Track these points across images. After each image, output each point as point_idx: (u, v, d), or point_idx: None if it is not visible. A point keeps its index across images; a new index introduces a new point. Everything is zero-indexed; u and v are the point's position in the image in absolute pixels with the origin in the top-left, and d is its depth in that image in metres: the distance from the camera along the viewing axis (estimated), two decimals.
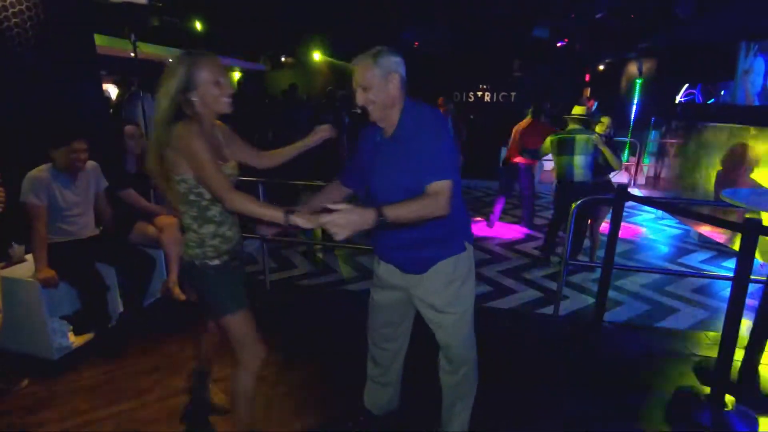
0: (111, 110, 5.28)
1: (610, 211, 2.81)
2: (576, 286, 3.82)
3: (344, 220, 1.23)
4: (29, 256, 2.61)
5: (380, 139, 1.57)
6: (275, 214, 1.34)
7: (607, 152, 3.77)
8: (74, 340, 2.63)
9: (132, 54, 4.16)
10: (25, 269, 2.57)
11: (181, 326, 2.85)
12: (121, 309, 2.93)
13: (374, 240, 1.71)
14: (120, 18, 5.12)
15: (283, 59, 10.98)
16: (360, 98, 1.48)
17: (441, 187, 1.37)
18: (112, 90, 6.66)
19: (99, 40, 3.85)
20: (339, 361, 2.55)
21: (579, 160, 3.80)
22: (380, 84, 1.44)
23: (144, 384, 2.31)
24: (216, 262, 1.56)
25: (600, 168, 3.90)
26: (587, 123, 3.95)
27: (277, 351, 2.61)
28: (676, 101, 8.61)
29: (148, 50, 6.27)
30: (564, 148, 3.86)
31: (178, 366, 2.45)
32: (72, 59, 3.10)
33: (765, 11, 6.48)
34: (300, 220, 1.31)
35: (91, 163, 2.69)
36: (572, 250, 3.95)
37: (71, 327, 2.66)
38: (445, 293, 1.61)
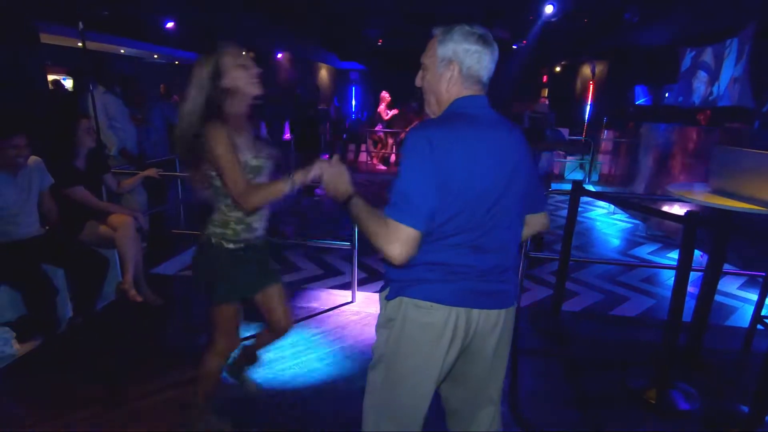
0: (66, 102, 4.96)
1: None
2: (536, 278, 3.97)
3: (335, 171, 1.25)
4: None
5: None
6: (281, 186, 1.41)
7: None
8: (18, 348, 2.45)
9: (80, 44, 3.92)
10: None
11: (138, 329, 2.73)
12: (71, 313, 2.77)
13: None
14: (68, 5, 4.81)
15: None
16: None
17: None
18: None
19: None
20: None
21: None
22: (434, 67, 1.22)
23: (96, 392, 2.18)
24: (231, 246, 1.58)
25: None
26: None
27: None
28: (635, 104, 9.09)
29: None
30: None
31: (134, 372, 2.34)
32: (12, 48, 2.89)
33: (699, 21, 6.96)
34: (299, 177, 1.37)
35: (33, 159, 2.52)
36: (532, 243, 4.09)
37: (15, 334, 2.48)
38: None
